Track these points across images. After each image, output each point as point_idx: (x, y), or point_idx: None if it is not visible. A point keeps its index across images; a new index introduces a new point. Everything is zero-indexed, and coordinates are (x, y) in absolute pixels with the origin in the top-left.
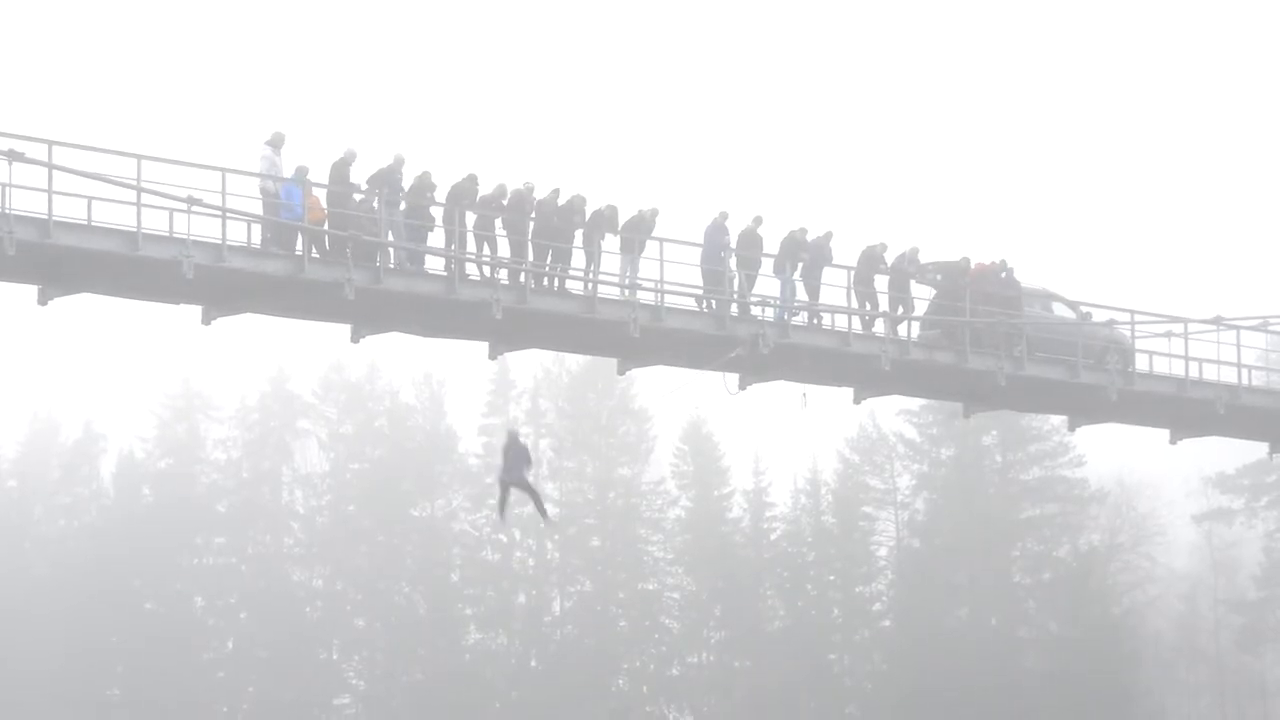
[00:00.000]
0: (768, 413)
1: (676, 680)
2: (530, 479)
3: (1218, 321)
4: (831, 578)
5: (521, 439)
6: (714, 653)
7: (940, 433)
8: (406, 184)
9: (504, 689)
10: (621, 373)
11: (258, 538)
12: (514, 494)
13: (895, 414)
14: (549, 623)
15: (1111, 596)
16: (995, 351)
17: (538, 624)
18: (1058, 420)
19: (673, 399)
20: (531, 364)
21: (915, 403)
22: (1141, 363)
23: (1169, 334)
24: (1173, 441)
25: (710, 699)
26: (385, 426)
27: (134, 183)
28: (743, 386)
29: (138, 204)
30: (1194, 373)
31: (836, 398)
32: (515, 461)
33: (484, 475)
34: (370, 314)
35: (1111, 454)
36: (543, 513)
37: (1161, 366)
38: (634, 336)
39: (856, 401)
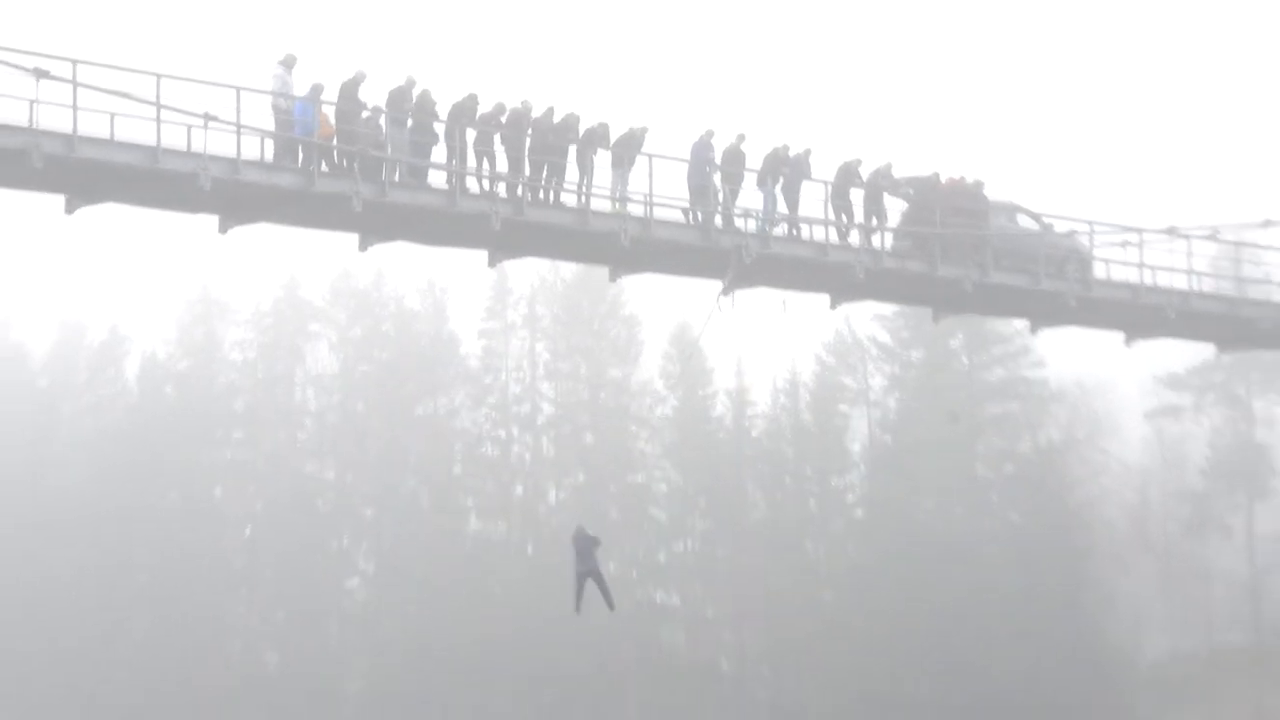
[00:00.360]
0: (750, 318)
1: (663, 566)
2: (599, 561)
3: (1171, 232)
4: (808, 471)
5: (589, 531)
6: (698, 541)
7: (910, 336)
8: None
9: (502, 573)
10: (613, 280)
11: (272, 433)
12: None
13: (869, 319)
14: (544, 512)
15: (1068, 489)
16: (963, 261)
17: (534, 514)
18: (1020, 324)
19: (660, 306)
20: (528, 272)
21: (888, 308)
22: (1099, 270)
23: (1125, 243)
24: (1127, 344)
25: (695, 583)
26: (391, 330)
27: (154, 100)
28: (727, 294)
29: (157, 120)
30: (1148, 280)
31: (814, 304)
32: (586, 551)
33: (483, 375)
34: (377, 224)
35: (1070, 355)
36: (610, 603)
37: (1118, 274)
38: (624, 246)
39: (833, 307)
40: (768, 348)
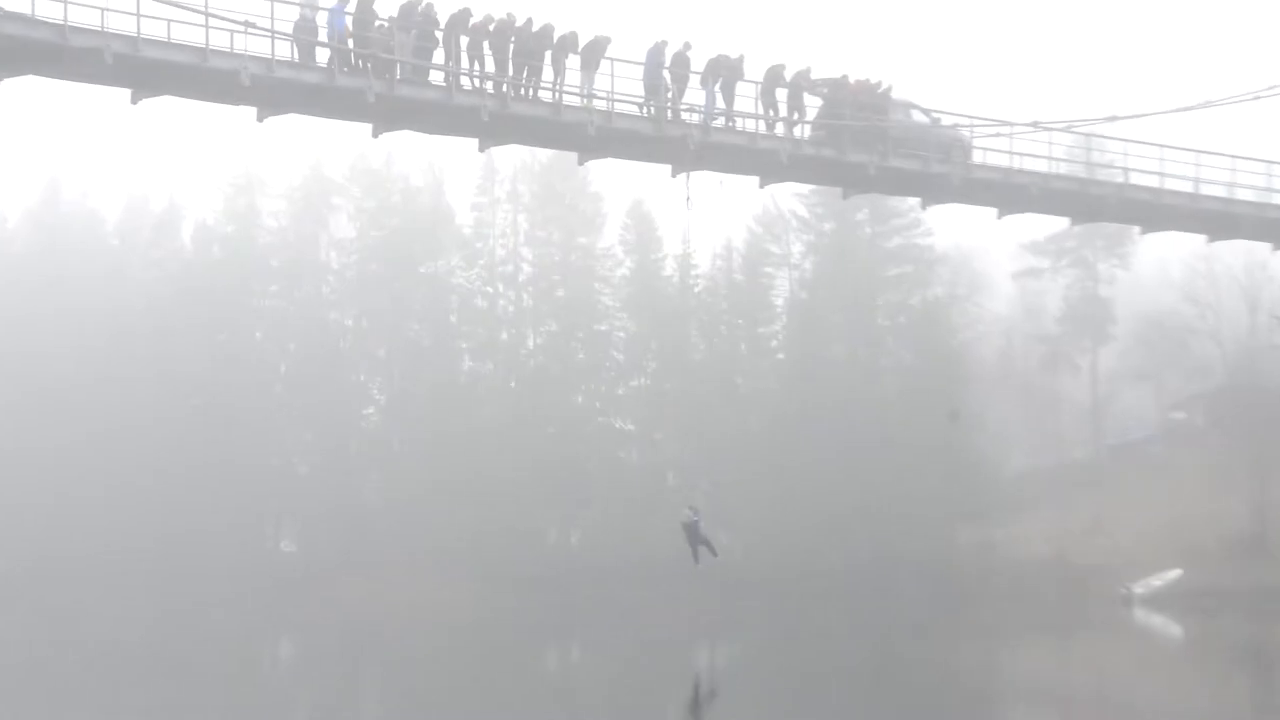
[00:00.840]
0: (694, 194)
1: (621, 398)
2: (704, 532)
3: (1035, 125)
4: (740, 321)
5: (693, 516)
6: (650, 378)
7: (824, 211)
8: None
9: (490, 404)
10: (581, 163)
11: (302, 286)
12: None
13: (791, 196)
14: (525, 354)
15: (950, 334)
16: (867, 148)
17: (516, 355)
18: (913, 201)
19: (620, 185)
20: (512, 156)
21: (806, 188)
22: (977, 157)
23: (998, 134)
24: (999, 217)
25: (647, 412)
26: (399, 202)
27: (203, 9)
28: (674, 175)
29: (206, 26)
30: (1016, 164)
31: (746, 184)
32: (694, 533)
33: (474, 241)
34: (387, 115)
35: (953, 227)
36: (714, 553)
37: (992, 159)
38: (591, 135)
39: (761, 187)
40: (708, 220)
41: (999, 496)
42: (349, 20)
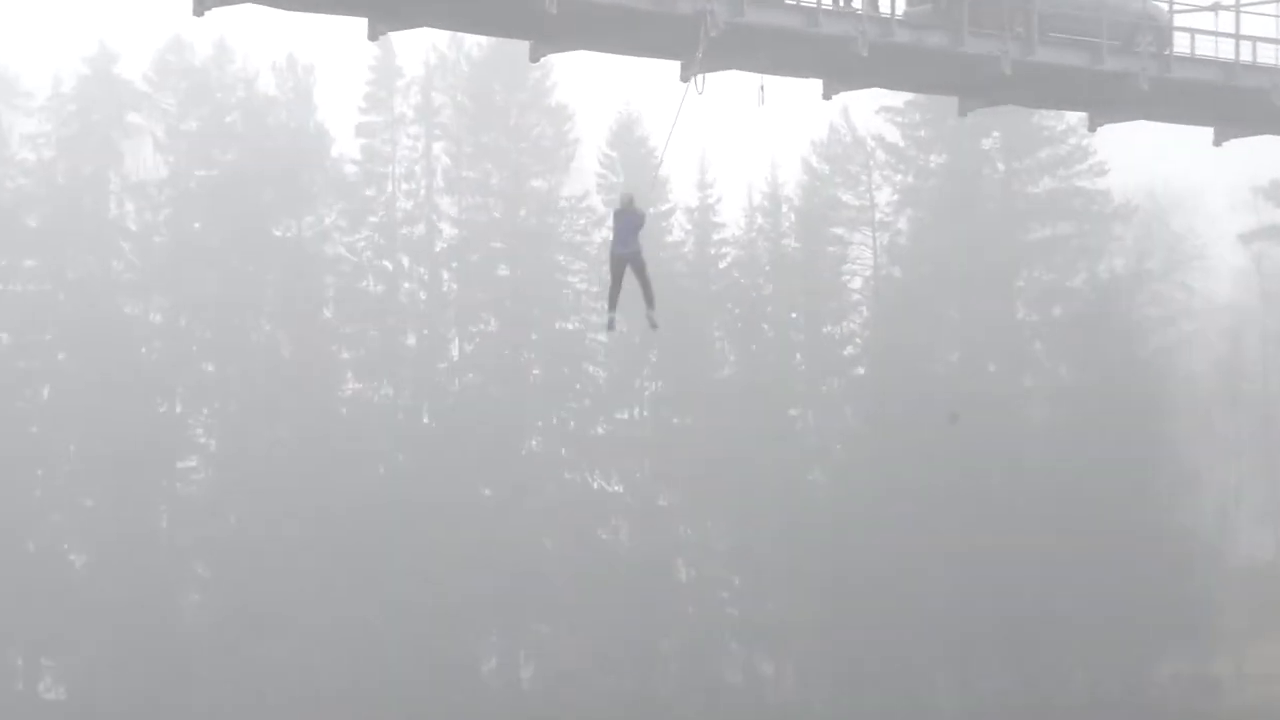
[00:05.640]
0: (717, 111)
1: (601, 440)
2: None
3: None
4: (794, 315)
5: (636, 203)
6: (648, 407)
7: (930, 135)
8: None
9: (389, 449)
10: (535, 59)
11: (79, 259)
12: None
13: (874, 112)
14: (445, 370)
15: (1137, 335)
16: (999, 32)
17: (431, 371)
18: (1075, 119)
19: (598, 94)
20: (422, 47)
21: (899, 98)
22: (1181, 43)
23: (1216, 7)
24: (1217, 143)
25: (643, 462)
26: (239, 123)
27: None
28: (685, 78)
29: None
30: (1245, 56)
31: (802, 91)
32: (628, 230)
33: (363, 186)
34: None
35: (1141, 160)
36: (649, 299)
37: (1206, 48)
38: (550, 13)
39: (827, 96)
40: (741, 151)
41: (1223, 596)
42: None
